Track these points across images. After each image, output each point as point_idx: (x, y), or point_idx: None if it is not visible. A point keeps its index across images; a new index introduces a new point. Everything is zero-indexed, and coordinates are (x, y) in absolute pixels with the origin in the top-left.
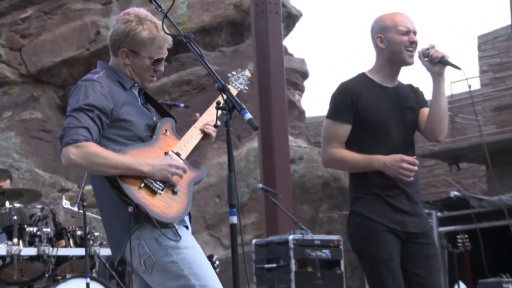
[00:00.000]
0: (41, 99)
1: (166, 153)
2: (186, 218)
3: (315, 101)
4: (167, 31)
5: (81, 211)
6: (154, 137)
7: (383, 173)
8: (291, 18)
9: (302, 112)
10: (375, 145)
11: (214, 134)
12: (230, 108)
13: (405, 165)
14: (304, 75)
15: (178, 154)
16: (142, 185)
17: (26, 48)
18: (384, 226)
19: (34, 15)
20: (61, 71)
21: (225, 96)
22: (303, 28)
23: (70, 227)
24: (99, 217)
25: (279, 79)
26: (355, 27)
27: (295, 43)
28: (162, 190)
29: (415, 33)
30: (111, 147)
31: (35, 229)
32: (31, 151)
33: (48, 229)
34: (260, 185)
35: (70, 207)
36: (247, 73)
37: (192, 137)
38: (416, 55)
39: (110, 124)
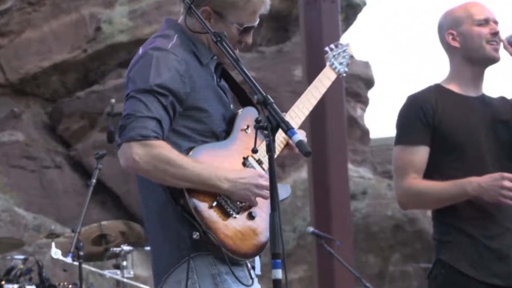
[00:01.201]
0: (24, 116)
1: (245, 160)
2: (257, 258)
3: (383, 117)
4: None
5: (76, 263)
6: (231, 134)
7: (477, 204)
8: (352, 8)
9: (366, 132)
10: (462, 169)
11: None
12: (274, 127)
13: (507, 183)
14: (369, 83)
15: (259, 162)
16: (215, 203)
17: (4, 50)
18: (481, 283)
19: (15, 7)
20: (50, 79)
21: (266, 112)
22: (367, 21)
23: (61, 283)
24: (100, 271)
25: (337, 88)
26: (434, 19)
27: (357, 40)
28: (238, 213)
29: (495, 22)
30: (178, 144)
31: (15, 286)
32: (10, 184)
33: (33, 287)
34: (311, 229)
35: (61, 257)
36: (350, 49)
37: (276, 142)
38: (501, 47)
39: (182, 113)
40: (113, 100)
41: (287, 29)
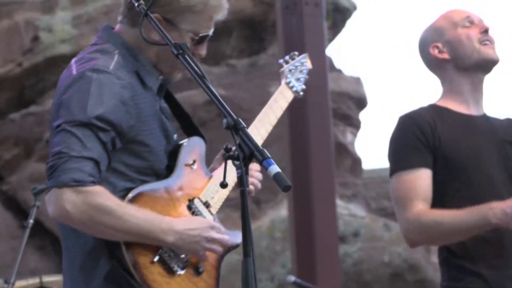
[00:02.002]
0: None
1: (190, 202)
2: None
3: (378, 144)
4: None
5: None
6: (174, 171)
7: (491, 239)
8: (339, 13)
9: (357, 161)
10: (470, 197)
11: (255, 186)
12: (247, 156)
13: None
14: (361, 102)
15: (207, 205)
16: (157, 258)
17: None
18: None
19: None
20: None
21: (238, 139)
22: (358, 28)
23: None
24: None
25: (322, 109)
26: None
27: (347, 51)
28: (183, 269)
29: (481, 20)
30: (111, 183)
31: None
32: None
33: None
34: (292, 278)
35: None
36: (308, 62)
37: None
38: (496, 46)
39: (120, 147)
40: None
41: (262, 38)
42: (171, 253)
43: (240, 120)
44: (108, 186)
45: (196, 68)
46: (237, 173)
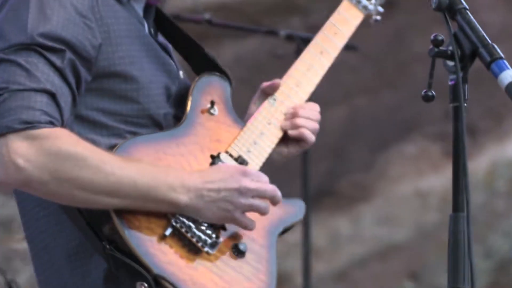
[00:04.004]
0: None
1: (215, 159)
2: None
3: None
4: None
5: None
6: (184, 119)
7: None
8: None
9: None
10: None
11: (311, 136)
12: (467, 55)
13: None
14: None
15: (240, 161)
16: (169, 231)
17: None
18: None
19: None
20: None
21: (453, 27)
22: None
23: None
24: None
25: None
26: None
27: None
28: (213, 246)
29: None
30: (90, 142)
31: None
32: None
33: None
34: None
35: None
36: None
37: (264, 132)
38: None
39: (92, 85)
40: None
41: None
42: (191, 222)
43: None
44: None
45: None
46: (450, 81)
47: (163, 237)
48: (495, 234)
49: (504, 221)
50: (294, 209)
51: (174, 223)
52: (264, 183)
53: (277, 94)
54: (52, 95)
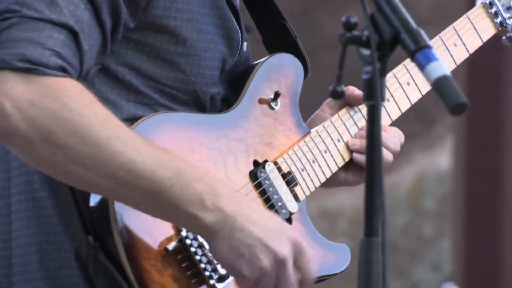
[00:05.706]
0: None
1: (255, 167)
2: None
3: None
4: None
5: None
6: (236, 105)
7: None
8: None
9: None
10: None
11: (387, 155)
12: (386, 41)
13: None
14: None
15: (289, 180)
16: (172, 246)
17: None
18: None
19: None
20: None
21: (370, 7)
22: None
23: None
24: None
25: None
26: None
27: None
28: (222, 280)
29: None
30: (110, 102)
31: None
32: None
33: None
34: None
35: None
36: None
37: (330, 150)
38: None
39: (134, 34)
40: None
41: None
42: (200, 245)
43: None
44: (105, 106)
45: None
46: (364, 74)
47: (164, 252)
48: (422, 266)
49: (433, 250)
50: (338, 256)
51: (183, 237)
52: (310, 268)
53: (361, 106)
54: (74, 34)
